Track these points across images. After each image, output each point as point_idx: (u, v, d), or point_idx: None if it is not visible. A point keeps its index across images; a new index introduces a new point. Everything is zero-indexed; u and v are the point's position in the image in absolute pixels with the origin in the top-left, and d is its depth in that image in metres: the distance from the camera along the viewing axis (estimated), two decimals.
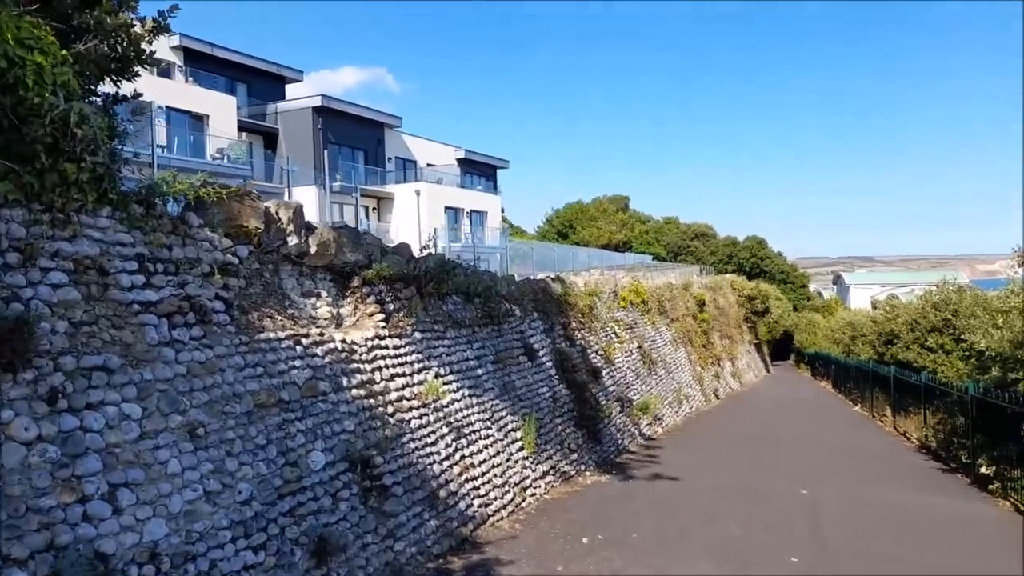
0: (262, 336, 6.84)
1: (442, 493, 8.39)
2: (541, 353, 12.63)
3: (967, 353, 17.74)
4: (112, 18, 6.97)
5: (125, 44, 7.14)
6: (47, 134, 5.25)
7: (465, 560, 7.86)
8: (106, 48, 6.95)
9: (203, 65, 31.38)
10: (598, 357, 15.46)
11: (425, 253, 10.04)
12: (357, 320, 8.67)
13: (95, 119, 5.68)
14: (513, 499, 9.91)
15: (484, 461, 9.56)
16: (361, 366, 8.01)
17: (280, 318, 7.36)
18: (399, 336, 8.90)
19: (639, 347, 18.72)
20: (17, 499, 4.32)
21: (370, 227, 30.79)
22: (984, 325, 13.19)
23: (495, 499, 9.47)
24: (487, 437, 9.87)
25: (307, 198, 30.03)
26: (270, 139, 33.98)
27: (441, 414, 9.03)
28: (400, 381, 8.56)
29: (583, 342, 14.94)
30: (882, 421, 21.77)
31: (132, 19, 7.22)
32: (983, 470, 12.70)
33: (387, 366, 8.45)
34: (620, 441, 14.78)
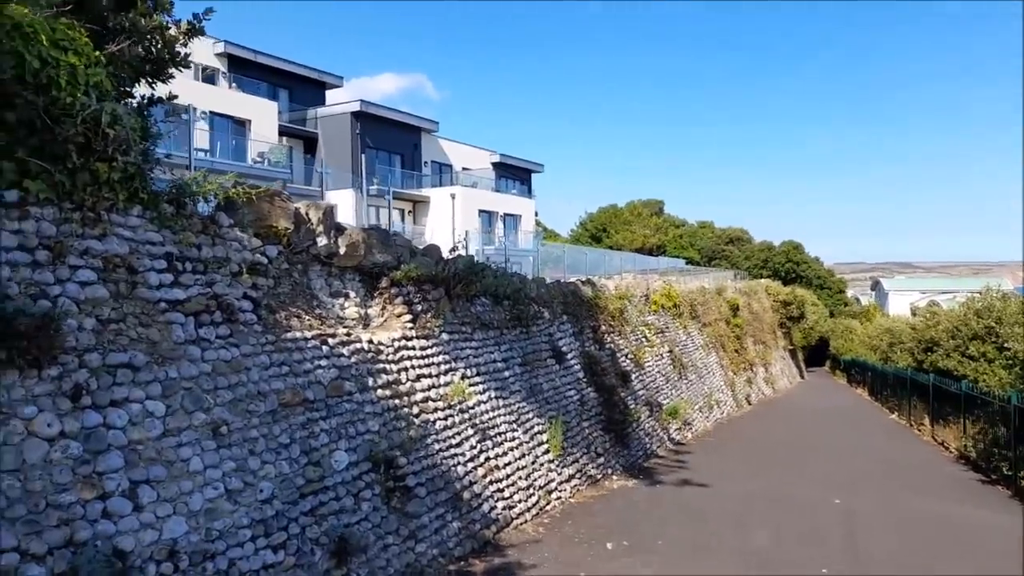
0: (289, 335, 6.88)
1: (465, 495, 8.35)
2: (569, 356, 12.52)
3: (1010, 362, 17.18)
4: (147, 20, 7.09)
5: (160, 46, 7.25)
6: (79, 134, 5.34)
7: (487, 563, 7.80)
8: (140, 50, 7.07)
9: (246, 71, 32.02)
10: (628, 361, 15.30)
11: (455, 255, 10.02)
12: (385, 321, 8.69)
13: (128, 120, 5.76)
14: (538, 502, 9.84)
15: (509, 463, 9.50)
16: (387, 366, 8.01)
17: (308, 318, 7.40)
18: (426, 337, 8.89)
19: (670, 351, 18.48)
20: (38, 495, 4.38)
21: (405, 230, 31.02)
22: None
23: (519, 502, 9.40)
24: (513, 439, 9.81)
25: (344, 201, 30.43)
26: (310, 143, 34.51)
27: (466, 415, 9.00)
28: (426, 382, 8.54)
29: (613, 345, 14.79)
30: (920, 430, 21.20)
31: (167, 22, 7.33)
32: None
33: (413, 367, 8.45)
34: (648, 446, 14.60)
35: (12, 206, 4.92)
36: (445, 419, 8.56)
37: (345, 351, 7.47)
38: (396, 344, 8.32)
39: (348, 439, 6.99)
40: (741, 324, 28.88)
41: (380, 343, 8.08)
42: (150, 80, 7.41)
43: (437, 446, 8.22)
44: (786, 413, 25.19)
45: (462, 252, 10.28)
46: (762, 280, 46.36)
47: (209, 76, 30.45)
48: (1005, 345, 15.33)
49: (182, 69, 7.53)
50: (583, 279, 15.82)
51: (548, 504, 10.08)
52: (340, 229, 8.27)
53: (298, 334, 6.99)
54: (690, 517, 10.14)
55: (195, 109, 24.23)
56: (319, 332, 7.30)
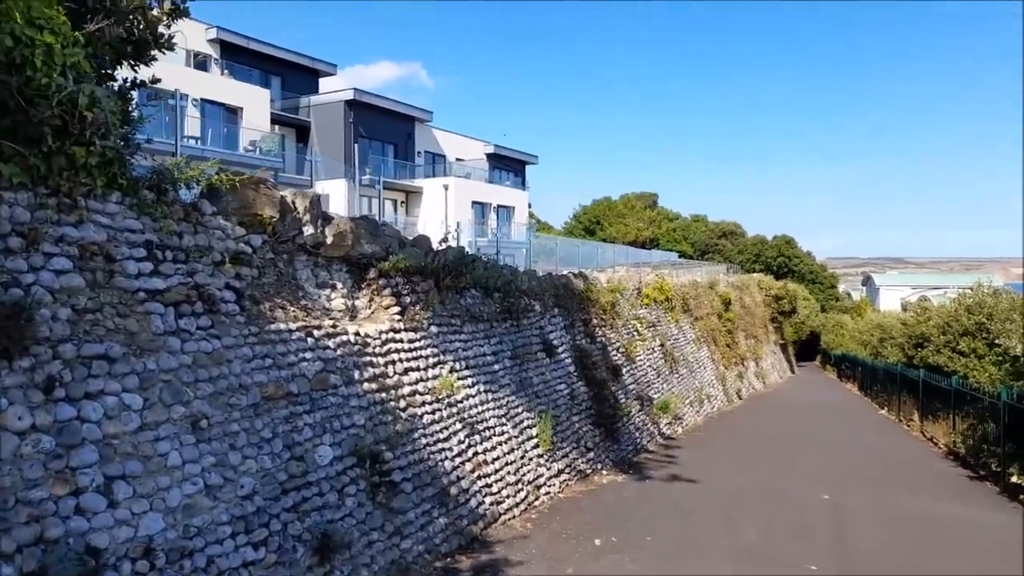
0: (272, 327, 6.73)
1: (453, 490, 8.24)
2: (560, 350, 12.41)
3: (1000, 358, 17.19)
4: (128, 0, 6.88)
5: (142, 27, 7.02)
6: (55, 116, 5.15)
7: (473, 560, 7.70)
8: (121, 31, 6.85)
9: (238, 58, 31.67)
10: (619, 355, 15.20)
11: (444, 246, 9.86)
12: (372, 313, 8.54)
13: (107, 102, 5.58)
14: (526, 497, 9.74)
15: (498, 458, 9.39)
16: (374, 359, 7.87)
17: (292, 309, 7.24)
18: (414, 330, 8.75)
19: (661, 345, 18.41)
20: (7, 490, 4.22)
21: (397, 221, 30.84)
22: (1020, 330, 12.72)
23: (507, 497, 9.30)
24: (502, 434, 9.70)
25: (337, 191, 30.19)
26: (302, 132, 34.19)
27: (455, 410, 8.87)
28: (414, 375, 8.41)
29: (604, 339, 14.69)
30: (909, 426, 21.24)
31: (150, 2, 7.12)
32: (1014, 479, 12.27)
33: (401, 360, 8.31)
34: (638, 440, 14.53)
35: None
36: (433, 413, 8.43)
37: (331, 343, 7.33)
38: (383, 336, 8.17)
39: (333, 433, 6.85)
40: (733, 318, 28.85)
41: (367, 335, 7.94)
42: (132, 62, 7.20)
43: (424, 441, 8.09)
44: (777, 408, 25.20)
45: (452, 243, 10.13)
46: (754, 274, 46.36)
47: (201, 62, 30.10)
48: (996, 341, 15.30)
49: (165, 51, 7.32)
50: (575, 272, 15.69)
51: (536, 499, 9.99)
52: (327, 218, 8.10)
53: (282, 326, 6.84)
54: (679, 513, 10.08)
55: (185, 95, 23.95)
56: (304, 324, 7.15)
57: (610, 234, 59.43)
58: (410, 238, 9.84)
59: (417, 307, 8.94)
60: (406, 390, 8.16)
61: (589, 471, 11.84)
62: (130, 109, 6.87)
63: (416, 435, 8.01)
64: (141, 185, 6.00)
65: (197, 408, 5.62)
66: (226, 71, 30.83)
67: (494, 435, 9.51)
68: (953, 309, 21.58)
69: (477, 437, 9.11)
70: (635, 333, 16.79)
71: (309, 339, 7.08)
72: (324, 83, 37.28)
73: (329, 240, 8.03)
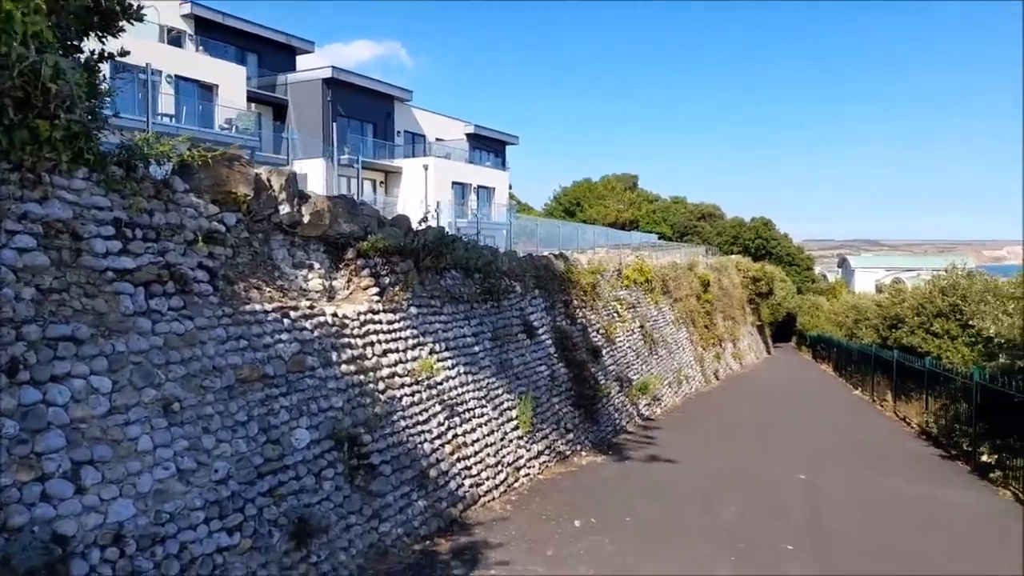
0: (247, 308, 6.57)
1: (432, 473, 8.18)
2: (541, 331, 12.36)
3: (973, 339, 17.47)
4: None
5: None
6: (16, 87, 4.92)
7: (453, 542, 7.66)
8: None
9: (213, 34, 30.95)
10: (599, 336, 15.20)
11: (424, 226, 9.72)
12: (350, 293, 8.40)
13: (72, 74, 5.35)
14: (506, 479, 9.72)
15: (477, 440, 9.34)
16: (352, 341, 7.75)
17: (268, 289, 7.09)
18: (394, 311, 8.63)
19: (641, 327, 18.45)
20: None
21: (376, 201, 30.48)
22: (995, 311, 12.89)
23: (487, 479, 9.27)
24: (481, 416, 9.64)
25: (315, 171, 29.76)
26: (279, 111, 33.60)
27: (434, 391, 8.79)
28: (393, 357, 8.30)
29: (584, 320, 14.67)
30: (882, 406, 21.54)
31: None
32: (984, 458, 12.49)
33: (380, 341, 8.19)
34: (618, 421, 14.58)
35: None
36: (412, 395, 8.34)
37: (308, 325, 7.19)
38: (362, 318, 8.05)
39: (310, 416, 6.74)
40: (711, 300, 29.02)
41: (345, 316, 7.80)
42: (99, 34, 6.93)
43: (403, 423, 8.01)
44: (753, 389, 25.46)
45: (432, 223, 9.99)
46: (733, 256, 46.64)
47: (175, 38, 29.37)
48: (970, 323, 15.53)
49: (134, 22, 7.04)
50: (556, 253, 15.62)
51: (516, 481, 9.97)
52: (304, 197, 7.92)
53: (257, 306, 6.69)
54: (658, 494, 10.13)
55: (158, 71, 23.38)
56: (280, 304, 7.00)
57: (590, 215, 59.44)
58: (388, 218, 9.68)
59: (396, 288, 8.81)
60: (385, 372, 8.05)
61: (569, 452, 11.86)
62: (97, 82, 6.63)
63: (395, 417, 7.92)
64: (109, 161, 5.79)
65: (169, 391, 5.47)
66: (201, 47, 30.12)
67: (474, 417, 9.45)
68: (927, 291, 21.88)
69: (457, 419, 9.05)
70: (615, 314, 16.80)
71: (285, 320, 6.94)
72: (301, 61, 36.61)
73: (306, 219, 7.86)
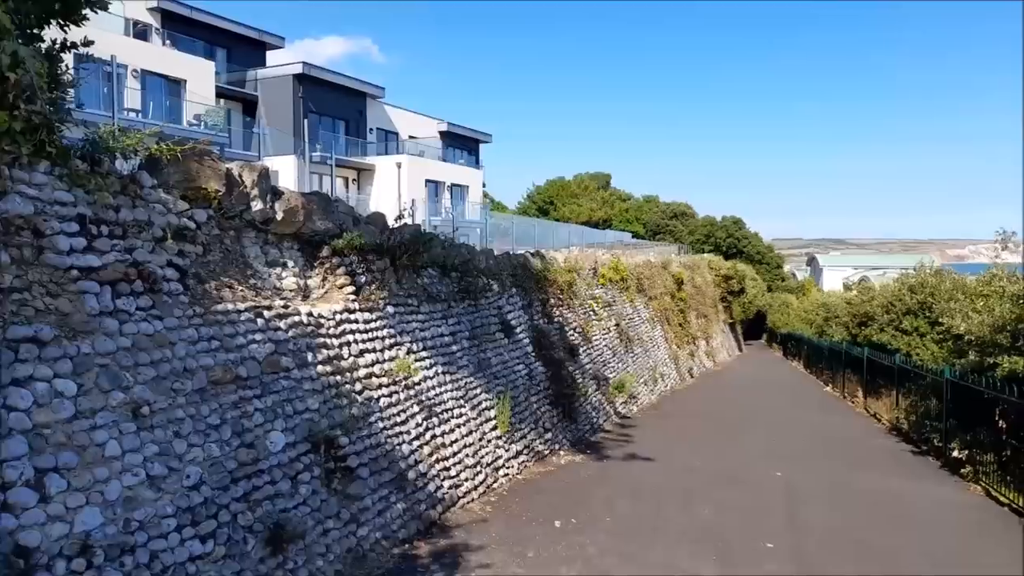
0: (219, 307, 6.36)
1: (411, 475, 8.02)
2: (518, 330, 12.26)
3: (942, 336, 17.74)
4: None
5: None
6: None
7: (432, 545, 7.52)
8: None
9: (181, 28, 30.32)
10: (576, 334, 15.15)
11: (400, 223, 9.55)
12: (326, 292, 8.21)
13: (32, 63, 5.11)
14: (485, 480, 9.59)
15: (456, 441, 9.20)
16: (328, 341, 7.56)
17: (241, 288, 6.88)
18: (370, 310, 8.45)
19: (617, 325, 18.45)
20: None
21: (349, 199, 30.11)
22: (965, 309, 13.07)
23: (466, 480, 9.14)
24: (460, 416, 9.51)
25: (286, 168, 29.30)
26: (249, 107, 33.05)
27: (412, 392, 8.63)
28: (370, 357, 8.13)
29: (561, 319, 14.60)
30: (853, 402, 21.81)
31: None
32: (955, 454, 12.66)
33: (356, 341, 8.02)
34: (595, 420, 14.54)
35: None
36: (390, 396, 8.18)
37: (282, 324, 6.99)
38: (338, 317, 7.86)
39: (285, 418, 6.55)
40: (685, 298, 29.19)
41: (320, 316, 7.62)
42: (61, 22, 6.66)
43: (381, 424, 7.85)
44: (727, 386, 25.66)
45: (408, 220, 9.82)
46: (705, 255, 47.05)
47: (141, 32, 28.70)
48: (939, 320, 15.75)
49: (98, 10, 6.77)
50: (533, 251, 15.52)
51: (495, 482, 9.85)
52: (277, 193, 7.71)
53: (230, 306, 6.48)
54: (637, 493, 10.08)
55: (124, 65, 22.82)
56: (253, 304, 6.79)
57: (564, 214, 59.52)
58: (363, 215, 9.50)
59: (373, 287, 8.63)
60: (362, 372, 7.88)
61: (547, 452, 11.77)
62: (60, 72, 6.36)
63: (372, 419, 7.75)
64: (72, 154, 5.55)
65: (138, 394, 5.25)
66: (168, 41, 29.50)
67: (452, 417, 9.31)
68: (897, 289, 22.19)
69: (435, 420, 8.91)
70: (592, 313, 16.76)
71: (259, 320, 6.74)
72: (272, 56, 36.08)
73: (279, 216, 7.65)
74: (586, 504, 9.33)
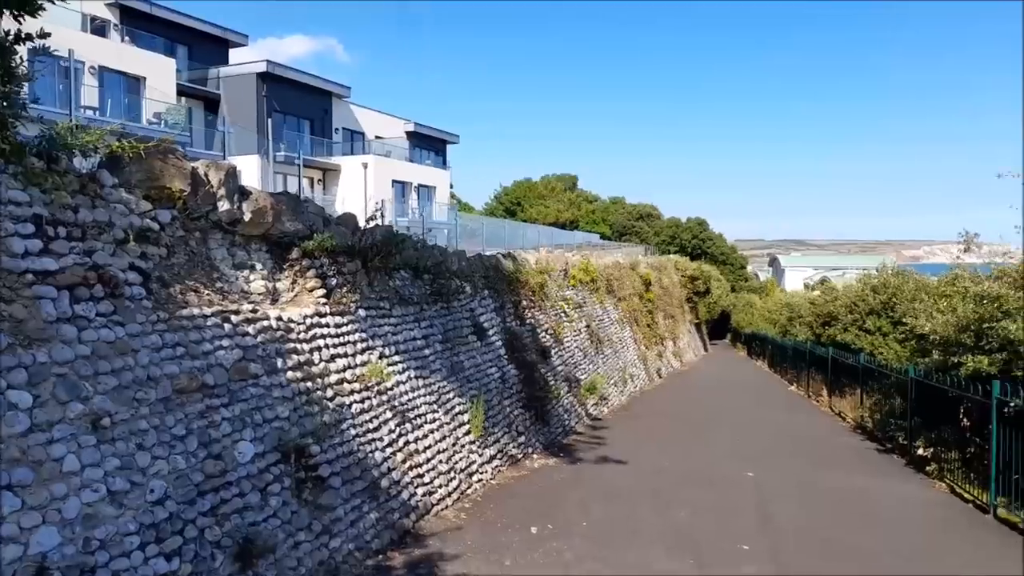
0: (185, 312, 6.10)
1: (384, 483, 7.83)
2: (491, 332, 12.11)
3: (905, 336, 18.09)
4: None
5: None
6: None
7: (407, 556, 7.34)
8: None
9: (141, 24, 29.53)
10: (547, 336, 15.06)
11: (372, 224, 9.33)
12: (295, 296, 7.97)
13: None
14: (459, 486, 9.43)
15: (429, 447, 9.03)
16: (298, 346, 7.33)
17: (207, 292, 6.61)
18: (341, 313, 8.23)
19: (587, 326, 18.42)
20: None
21: (314, 199, 29.59)
22: (928, 309, 13.30)
23: (440, 487, 8.96)
24: (433, 421, 9.33)
25: (249, 168, 28.69)
26: (212, 105, 32.32)
27: (385, 398, 8.43)
28: (341, 362, 7.91)
29: (533, 321, 14.50)
30: (818, 401, 22.13)
31: None
32: (920, 452, 12.88)
33: (327, 346, 7.79)
34: (567, 422, 14.47)
35: None
36: (362, 402, 7.97)
37: (250, 329, 6.75)
38: (308, 321, 7.63)
39: (254, 427, 6.31)
40: (653, 299, 29.37)
41: (290, 320, 7.38)
42: (15, 12, 6.32)
43: (353, 431, 7.63)
44: (695, 386, 25.88)
45: (379, 222, 9.61)
46: (671, 256, 47.49)
47: (99, 27, 27.85)
48: (903, 320, 16.04)
49: (55, 1, 6.46)
50: (504, 253, 15.39)
51: (469, 488, 9.70)
52: (245, 193, 7.45)
53: (196, 311, 6.22)
54: (611, 496, 10.02)
55: (82, 61, 22.10)
56: (220, 308, 6.54)
57: (531, 215, 59.57)
58: (333, 216, 9.27)
59: (344, 289, 8.41)
60: (333, 378, 7.66)
61: (520, 456, 11.65)
62: (13, 65, 6.04)
63: (344, 426, 7.54)
64: (27, 151, 5.25)
65: (98, 405, 4.98)
66: (127, 38, 28.69)
67: (425, 423, 9.14)
68: (860, 289, 22.60)
69: (408, 425, 8.72)
70: (563, 314, 16.70)
71: (226, 325, 6.49)
72: (234, 54, 35.37)
73: (247, 217, 7.39)
74: (561, 508, 9.23)
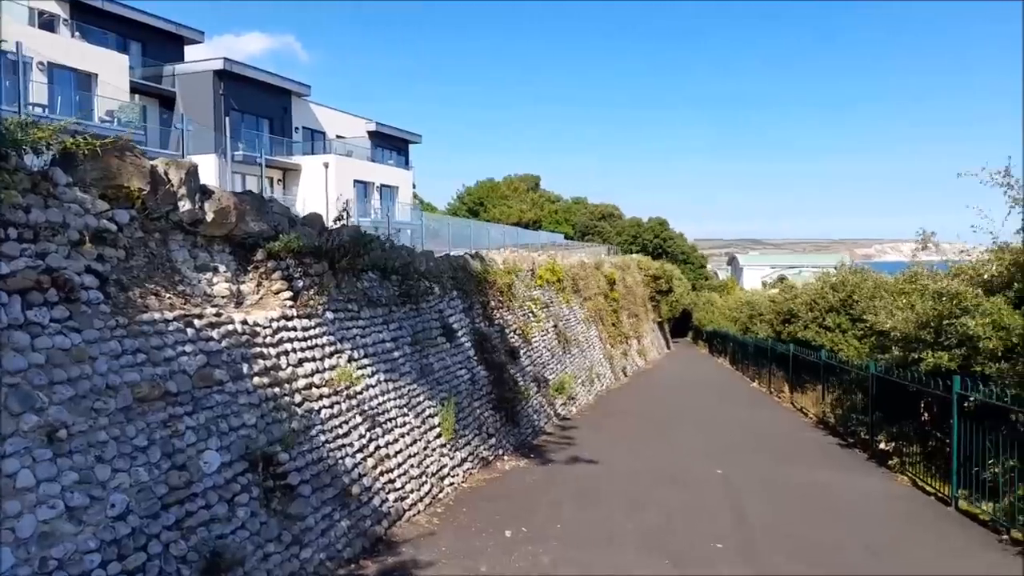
0: (145, 317, 5.83)
1: (355, 489, 7.62)
2: (460, 333, 11.97)
3: (864, 333, 18.47)
4: None
5: None
6: None
7: (380, 564, 7.16)
8: None
9: (91, 19, 28.59)
10: (516, 337, 14.97)
11: (339, 224, 9.10)
12: (261, 298, 7.71)
13: None
14: (430, 490, 9.27)
15: (400, 451, 8.84)
16: (265, 350, 7.09)
17: (168, 296, 6.34)
18: (309, 316, 8.00)
19: (555, 326, 18.39)
20: None
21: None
22: (889, 306, 13.58)
23: (411, 492, 8.79)
24: (404, 425, 9.15)
25: (206, 167, 27.91)
26: (167, 103, 31.46)
27: (354, 402, 8.23)
28: (309, 367, 7.68)
29: (502, 321, 14.39)
30: (779, 397, 22.47)
31: None
32: (882, 446, 13.13)
33: (295, 350, 7.56)
34: (537, 423, 14.40)
35: None
36: (331, 407, 7.75)
37: (214, 334, 6.49)
38: (274, 325, 7.39)
39: (220, 436, 6.06)
40: (617, 298, 29.53)
41: (256, 324, 7.13)
42: None
43: (323, 437, 7.42)
44: (661, 384, 26.09)
45: (347, 221, 9.38)
46: (634, 255, 47.91)
47: (48, 22, 26.85)
48: (863, 317, 16.37)
49: None
50: (472, 253, 15.26)
51: (441, 491, 9.54)
52: (207, 192, 7.18)
53: (156, 315, 5.95)
54: (584, 497, 9.97)
55: (29, 57, 21.28)
56: (182, 312, 6.27)
57: (494, 215, 59.53)
58: (299, 216, 9.02)
59: (311, 291, 8.18)
60: (301, 383, 7.43)
61: (491, 458, 11.53)
62: None
63: (313, 432, 7.32)
64: None
65: (54, 416, 4.70)
66: (77, 33, 27.73)
67: (396, 427, 8.95)
68: (819, 287, 23.04)
69: (379, 430, 8.52)
70: (530, 315, 16.63)
71: (189, 330, 6.22)
72: (190, 51, 34.49)
73: (209, 217, 7.12)
74: (535, 511, 9.13)
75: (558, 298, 20.05)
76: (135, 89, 28.59)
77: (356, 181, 36.16)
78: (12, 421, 4.45)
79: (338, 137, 39.71)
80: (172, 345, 5.97)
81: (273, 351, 7.21)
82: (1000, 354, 9.68)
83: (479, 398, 11.87)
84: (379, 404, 8.73)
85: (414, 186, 45.09)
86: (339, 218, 9.14)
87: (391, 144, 44.86)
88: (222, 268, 7.33)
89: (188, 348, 6.12)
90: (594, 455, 12.61)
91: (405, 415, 9.26)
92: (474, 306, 13.17)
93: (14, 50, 18.23)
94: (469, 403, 11.42)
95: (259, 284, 7.73)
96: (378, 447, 8.40)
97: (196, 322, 6.35)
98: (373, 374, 8.85)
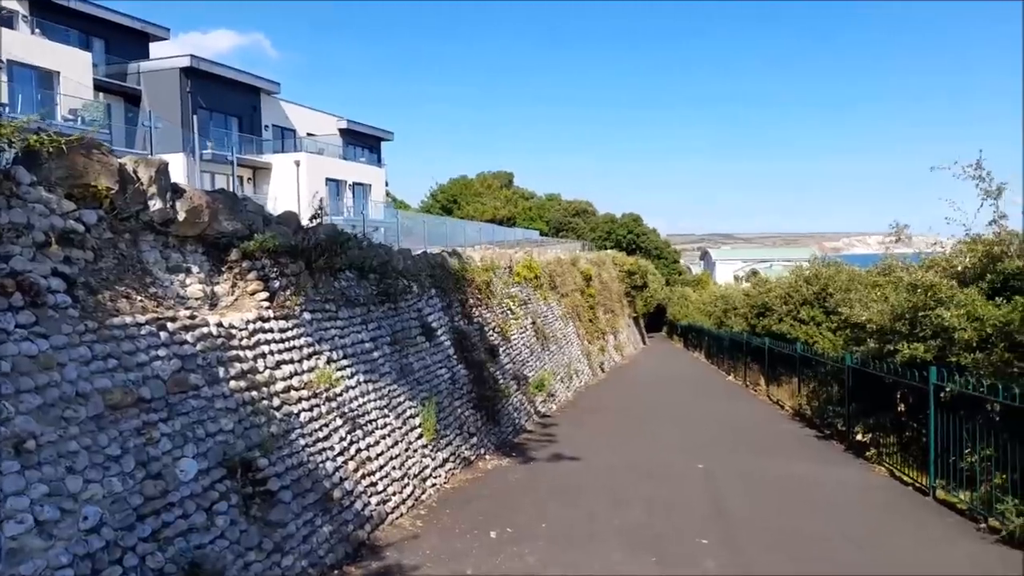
0: (116, 321, 5.61)
1: (336, 493, 7.45)
2: (439, 332, 11.82)
3: (838, 325, 18.69)
4: None
5: None
6: None
7: (364, 569, 7.00)
8: None
9: (52, 16, 27.75)
10: (495, 334, 14.87)
11: (316, 223, 8.91)
12: (236, 300, 7.51)
13: None
14: (413, 492, 9.12)
15: (382, 453, 8.69)
16: (241, 353, 6.89)
17: (140, 298, 6.13)
18: (286, 317, 7.80)
19: (533, 323, 18.33)
20: None
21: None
22: (864, 299, 13.73)
23: (394, 494, 8.64)
24: (385, 426, 8.99)
25: (174, 166, 27.31)
26: (132, 101, 30.69)
27: (334, 404, 8.05)
28: (287, 369, 7.49)
29: (481, 319, 14.27)
30: (755, 390, 22.68)
31: None
32: (859, 437, 13.26)
33: (272, 352, 7.36)
34: (518, 421, 14.31)
35: None
36: (311, 410, 7.57)
37: (189, 337, 6.29)
38: (251, 327, 7.19)
39: (196, 443, 5.87)
40: (594, 294, 29.57)
41: (231, 326, 6.93)
42: None
43: (302, 441, 7.24)
44: (638, 379, 26.19)
45: (323, 219, 9.19)
46: (609, 251, 48.07)
47: (6, 18, 26.02)
48: (838, 309, 16.53)
49: None
50: (449, 251, 15.10)
51: (423, 493, 9.40)
52: (178, 191, 6.96)
53: (128, 319, 5.74)
54: (567, 495, 9.90)
55: None
56: (155, 315, 6.06)
57: (467, 213, 59.28)
58: (274, 215, 8.81)
59: (287, 292, 7.99)
60: (279, 386, 7.25)
61: (473, 457, 11.41)
62: None
63: (293, 436, 7.14)
64: None
65: (21, 426, 4.49)
66: (37, 29, 26.93)
67: (377, 428, 8.79)
68: (793, 280, 23.29)
69: (359, 432, 8.36)
70: (509, 312, 16.54)
71: (162, 333, 6.02)
72: (155, 49, 33.74)
73: (181, 216, 6.90)
74: (519, 511, 9.04)
75: (536, 295, 19.99)
76: (99, 87, 27.88)
77: (328, 179, 35.73)
78: None
79: (309, 135, 39.20)
80: (145, 349, 5.76)
81: (250, 354, 7.01)
82: (975, 344, 9.80)
83: (460, 397, 11.75)
84: (359, 406, 8.57)
85: (387, 184, 44.71)
86: (315, 216, 8.95)
87: (363, 142, 44.41)
88: (195, 269, 7.12)
89: (161, 352, 5.92)
90: (576, 452, 12.56)
91: (386, 416, 9.10)
92: (453, 304, 13.03)
93: None
94: (450, 403, 11.28)
95: (234, 285, 7.52)
96: (359, 450, 8.23)
97: (169, 325, 6.14)
98: (352, 375, 8.68)
